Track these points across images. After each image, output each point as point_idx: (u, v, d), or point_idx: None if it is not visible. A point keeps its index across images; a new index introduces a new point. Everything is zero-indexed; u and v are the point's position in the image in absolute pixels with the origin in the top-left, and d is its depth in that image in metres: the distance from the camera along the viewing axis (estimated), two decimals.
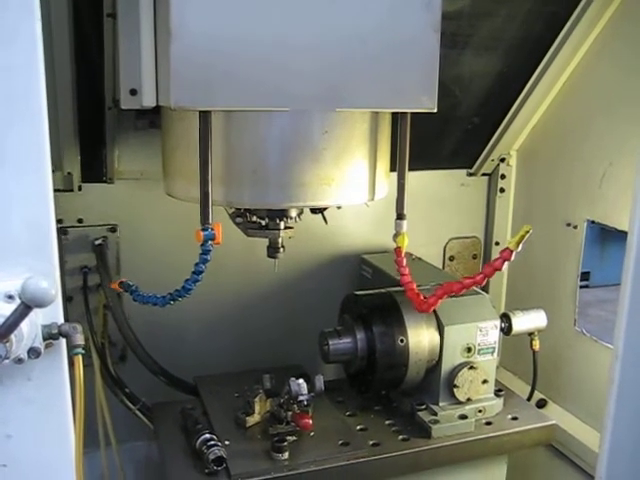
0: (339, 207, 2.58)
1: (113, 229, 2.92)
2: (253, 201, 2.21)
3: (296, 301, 3.25)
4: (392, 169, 2.46)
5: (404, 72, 2.11)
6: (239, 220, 2.42)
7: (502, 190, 3.52)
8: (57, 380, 1.41)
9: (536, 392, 3.09)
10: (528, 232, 1.97)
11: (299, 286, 3.24)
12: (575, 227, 3.09)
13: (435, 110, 2.18)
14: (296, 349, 3.11)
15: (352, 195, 2.27)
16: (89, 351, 2.81)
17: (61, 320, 1.41)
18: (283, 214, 2.38)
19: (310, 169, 2.15)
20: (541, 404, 3.19)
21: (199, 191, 2.05)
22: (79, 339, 1.39)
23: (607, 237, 8.45)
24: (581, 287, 3.16)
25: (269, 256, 2.48)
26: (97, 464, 2.88)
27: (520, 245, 2.01)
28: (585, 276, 8.53)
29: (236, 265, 3.11)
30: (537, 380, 3.04)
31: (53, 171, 2.67)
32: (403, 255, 2.41)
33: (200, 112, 1.98)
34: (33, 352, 1.34)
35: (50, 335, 1.37)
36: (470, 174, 3.54)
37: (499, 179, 3.50)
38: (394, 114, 2.36)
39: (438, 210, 3.47)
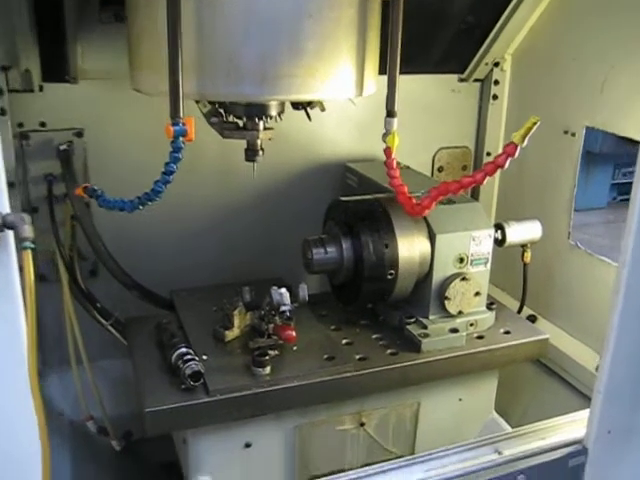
0: (323, 109, 2.41)
1: (79, 133, 2.72)
2: (229, 93, 2.03)
3: (277, 212, 3.10)
4: (380, 71, 2.31)
5: None
6: (214, 120, 2.25)
7: (495, 97, 3.33)
8: (4, 278, 1.23)
9: (525, 308, 3.02)
10: (535, 124, 1.79)
11: (280, 196, 3.08)
12: (573, 135, 2.93)
13: None
14: (278, 262, 2.98)
15: (338, 89, 2.11)
16: (56, 265, 2.68)
17: (7, 210, 1.22)
18: (262, 112, 2.22)
19: (292, 57, 1.98)
20: (531, 320, 3.10)
21: (168, 82, 1.87)
22: (27, 231, 1.20)
23: (591, 161, 8.34)
24: None
25: (247, 160, 2.33)
26: (71, 383, 2.79)
27: (526, 139, 1.84)
28: None
29: (211, 172, 2.95)
30: (527, 295, 2.96)
31: (9, 67, 2.51)
32: (393, 156, 2.27)
33: None
34: None
35: None
36: (461, 80, 3.34)
37: (492, 85, 3.31)
38: (383, 5, 2.19)
39: (427, 118, 3.29)
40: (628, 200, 1.77)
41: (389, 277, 2.40)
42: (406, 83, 2.94)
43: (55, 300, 2.71)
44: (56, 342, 2.80)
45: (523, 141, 1.85)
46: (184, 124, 1.88)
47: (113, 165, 2.77)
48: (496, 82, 3.31)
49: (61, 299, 2.69)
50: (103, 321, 2.72)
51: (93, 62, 2.65)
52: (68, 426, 2.90)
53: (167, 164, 1.94)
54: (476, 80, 3.36)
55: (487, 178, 2.00)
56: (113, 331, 2.72)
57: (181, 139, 1.89)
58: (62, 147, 2.65)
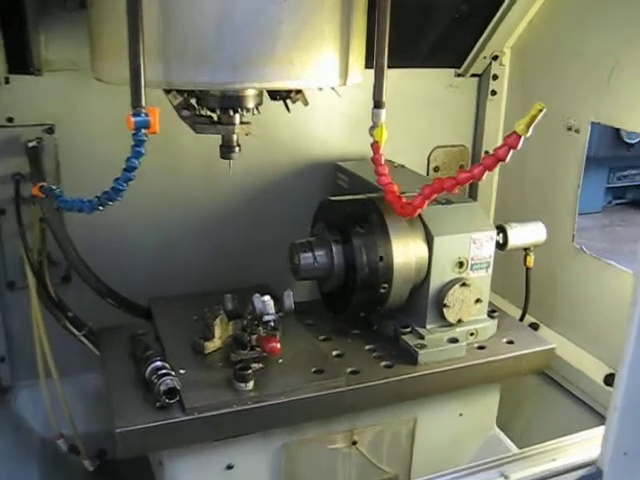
0: (306, 103, 2.27)
1: (50, 129, 2.58)
2: (198, 80, 1.87)
3: (264, 214, 2.97)
4: (367, 66, 2.21)
5: None
6: (186, 113, 2.12)
7: (494, 93, 3.23)
8: None
9: (527, 315, 2.89)
10: (541, 111, 1.63)
11: (267, 197, 2.96)
12: (577, 131, 2.82)
13: None
14: (264, 268, 2.84)
15: (319, 77, 1.98)
16: (24, 271, 2.55)
17: None
18: (238, 103, 2.09)
19: (267, 42, 1.84)
20: (532, 328, 2.96)
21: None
22: None
23: (585, 165, 8.25)
24: None
25: (222, 157, 2.23)
26: (41, 398, 2.64)
27: (530, 129, 1.67)
28: None
29: (193, 172, 2.82)
30: (529, 301, 2.83)
31: None
32: (382, 152, 2.15)
33: None
34: None
35: None
36: (458, 74, 3.24)
37: (490, 80, 3.20)
38: None
39: (422, 114, 3.18)
40: (623, 204, 1.62)
41: (382, 290, 2.28)
42: (400, 78, 2.89)
43: (24, 309, 2.58)
44: (25, 354, 2.66)
45: (527, 131, 1.70)
46: (147, 114, 1.75)
47: (87, 163, 2.63)
48: (495, 77, 3.21)
49: (29, 307, 2.55)
50: (75, 331, 2.57)
51: (58, 52, 2.51)
52: (38, 444, 2.75)
53: (128, 159, 1.82)
54: (474, 75, 3.26)
55: (486, 173, 1.83)
56: (86, 342, 2.57)
57: (143, 131, 1.75)
58: (31, 144, 2.52)
